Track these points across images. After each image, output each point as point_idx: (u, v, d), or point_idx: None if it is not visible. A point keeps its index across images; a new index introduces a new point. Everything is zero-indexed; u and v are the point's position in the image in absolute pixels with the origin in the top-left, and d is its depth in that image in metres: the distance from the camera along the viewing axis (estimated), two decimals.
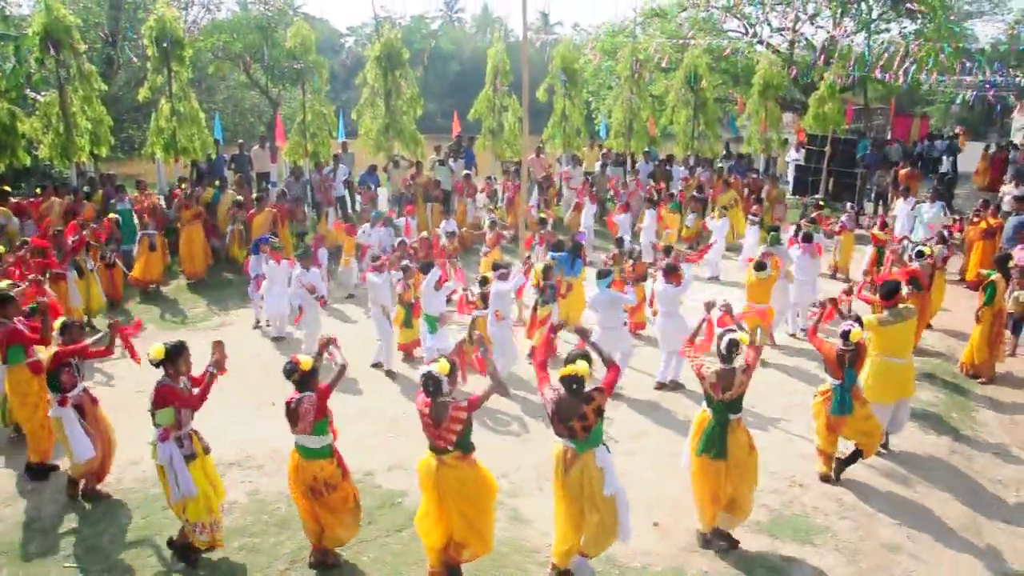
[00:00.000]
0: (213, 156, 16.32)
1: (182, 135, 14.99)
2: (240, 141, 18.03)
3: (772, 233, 10.88)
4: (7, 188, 12.54)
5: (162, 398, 5.20)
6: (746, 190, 16.93)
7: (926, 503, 6.45)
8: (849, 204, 14.84)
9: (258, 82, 27.90)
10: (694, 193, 16.44)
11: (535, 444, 7.34)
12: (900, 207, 14.91)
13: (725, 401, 5.42)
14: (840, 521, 6.11)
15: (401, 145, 17.26)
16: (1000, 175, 22.04)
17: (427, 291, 8.75)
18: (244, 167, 16.55)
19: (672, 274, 8.52)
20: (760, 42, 25.46)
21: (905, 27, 23.80)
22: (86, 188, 13.50)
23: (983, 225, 12.88)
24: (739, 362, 5.47)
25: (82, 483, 6.34)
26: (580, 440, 4.94)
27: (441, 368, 4.93)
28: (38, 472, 6.70)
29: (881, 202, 17.70)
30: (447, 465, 4.92)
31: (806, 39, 26.24)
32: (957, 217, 15.50)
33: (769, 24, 26.25)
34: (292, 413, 5.13)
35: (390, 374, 9.26)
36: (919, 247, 10.15)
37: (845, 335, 6.30)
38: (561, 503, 5.14)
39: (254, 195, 14.38)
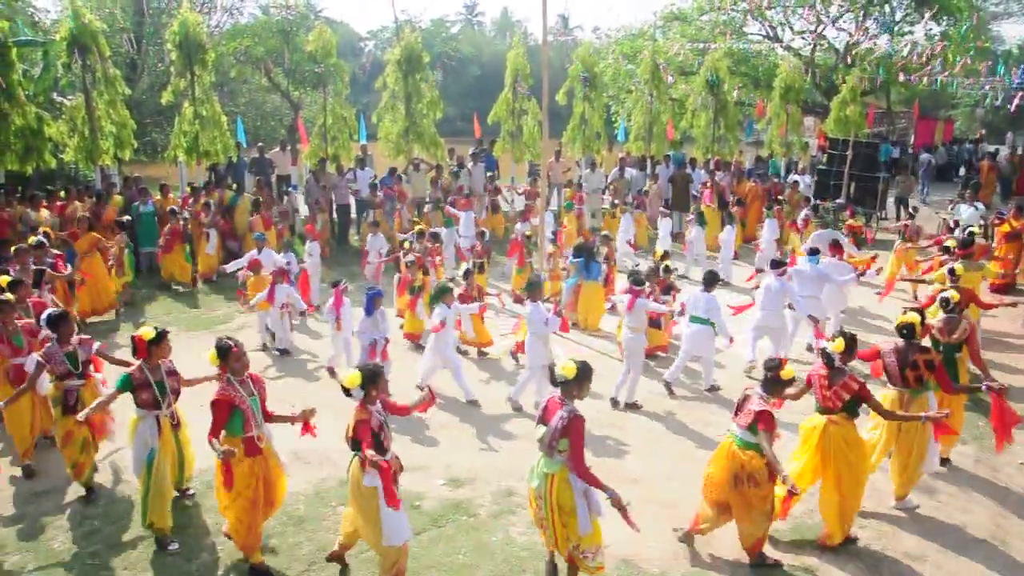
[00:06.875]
0: (235, 159, 16.51)
1: (204, 138, 15.18)
2: (260, 144, 18.17)
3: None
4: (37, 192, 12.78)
5: (567, 431, 4.77)
6: (766, 194, 16.86)
7: (950, 512, 6.36)
8: (817, 202, 14.59)
9: (279, 86, 28.18)
10: (705, 199, 16.38)
11: None
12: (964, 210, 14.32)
13: (950, 343, 6.96)
14: (861, 530, 6.02)
15: (421, 148, 17.35)
16: None
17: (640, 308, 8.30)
18: (265, 170, 16.72)
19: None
20: (780, 42, 25.30)
21: (930, 29, 23.54)
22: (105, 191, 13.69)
23: (1005, 228, 12.68)
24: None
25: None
26: (913, 388, 6.11)
27: (836, 347, 5.65)
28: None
29: (902, 206, 17.47)
30: (835, 423, 5.61)
31: (828, 42, 26.03)
32: (983, 221, 15.23)
33: (791, 27, 26.09)
34: (739, 404, 5.49)
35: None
36: (969, 229, 11.23)
37: (952, 271, 8.06)
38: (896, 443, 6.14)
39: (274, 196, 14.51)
